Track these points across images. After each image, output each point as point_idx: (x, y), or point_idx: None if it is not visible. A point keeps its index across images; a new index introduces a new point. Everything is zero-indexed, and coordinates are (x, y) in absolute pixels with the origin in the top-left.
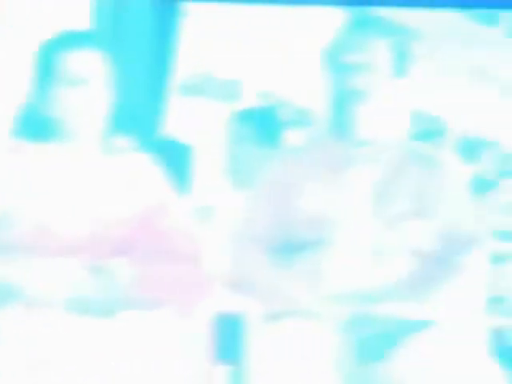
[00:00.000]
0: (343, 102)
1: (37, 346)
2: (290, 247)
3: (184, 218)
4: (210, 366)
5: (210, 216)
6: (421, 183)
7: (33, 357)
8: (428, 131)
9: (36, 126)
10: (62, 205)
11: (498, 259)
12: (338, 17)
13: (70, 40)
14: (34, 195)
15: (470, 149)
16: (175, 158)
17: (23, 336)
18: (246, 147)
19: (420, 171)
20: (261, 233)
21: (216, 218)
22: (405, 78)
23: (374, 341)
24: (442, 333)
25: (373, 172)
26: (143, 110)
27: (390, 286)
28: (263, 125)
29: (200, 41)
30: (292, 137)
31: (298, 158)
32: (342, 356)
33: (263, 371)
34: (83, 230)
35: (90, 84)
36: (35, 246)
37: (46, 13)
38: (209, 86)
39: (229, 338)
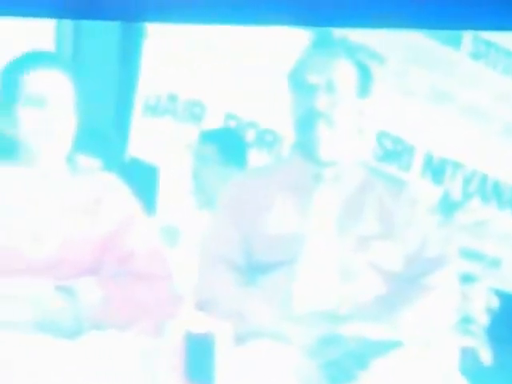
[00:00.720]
0: (308, 123)
1: (4, 367)
2: (256, 267)
3: (151, 238)
4: None
5: (176, 236)
6: (387, 204)
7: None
8: (393, 152)
9: (1, 147)
10: (28, 225)
11: (466, 279)
12: (302, 37)
13: (32, 60)
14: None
15: (436, 170)
16: (140, 179)
17: None
18: (211, 168)
19: (386, 192)
20: (227, 253)
21: (182, 238)
22: (368, 98)
23: (343, 362)
24: (411, 353)
25: (338, 192)
26: (108, 130)
27: (358, 306)
28: (228, 145)
29: (164, 61)
30: (257, 157)
31: (263, 179)
32: (310, 377)
33: None
34: (50, 251)
35: (54, 104)
36: (1, 266)
37: (11, 35)
38: (173, 107)
39: (199, 357)
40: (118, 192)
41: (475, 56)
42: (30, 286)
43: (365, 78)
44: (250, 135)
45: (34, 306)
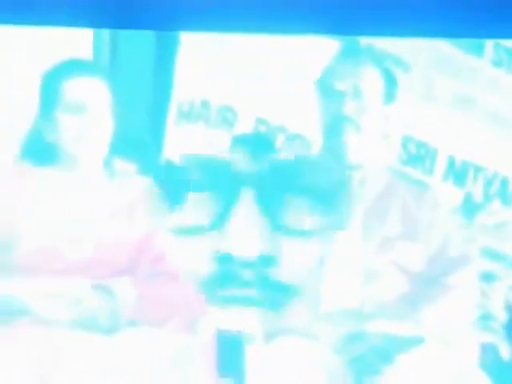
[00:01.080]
0: (335, 128)
1: (42, 362)
2: None
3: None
4: (212, 381)
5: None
6: (410, 206)
7: (38, 372)
8: (417, 156)
9: (41, 151)
10: (67, 227)
11: (486, 278)
12: (329, 46)
13: (72, 68)
14: (39, 217)
15: (458, 173)
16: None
17: (29, 352)
18: None
19: (409, 194)
20: None
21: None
22: (393, 104)
23: (368, 357)
24: (433, 349)
25: (364, 195)
26: (143, 136)
27: (382, 304)
28: (257, 150)
29: (197, 69)
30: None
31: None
32: (337, 373)
33: None
34: (88, 252)
35: (93, 111)
36: (41, 266)
37: (51, 44)
38: (206, 113)
39: (229, 354)
40: (152, 195)
41: (496, 63)
42: (69, 284)
43: (390, 84)
44: (279, 140)
45: (72, 303)
